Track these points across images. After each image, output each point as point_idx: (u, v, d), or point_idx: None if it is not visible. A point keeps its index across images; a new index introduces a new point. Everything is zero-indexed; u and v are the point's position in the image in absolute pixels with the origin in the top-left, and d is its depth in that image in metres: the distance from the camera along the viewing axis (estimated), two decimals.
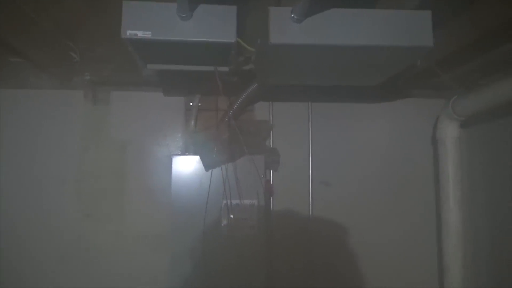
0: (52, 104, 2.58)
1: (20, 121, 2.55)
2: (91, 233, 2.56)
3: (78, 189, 2.58)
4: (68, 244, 2.53)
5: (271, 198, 2.65)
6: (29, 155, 2.55)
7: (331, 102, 2.78)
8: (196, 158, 2.37)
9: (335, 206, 2.71)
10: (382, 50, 1.47)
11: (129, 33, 1.36)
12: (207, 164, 2.33)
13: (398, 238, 2.74)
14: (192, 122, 2.53)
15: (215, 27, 1.42)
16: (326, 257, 2.68)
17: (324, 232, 2.69)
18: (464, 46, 1.88)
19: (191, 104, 2.56)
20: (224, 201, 2.32)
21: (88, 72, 2.37)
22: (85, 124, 2.61)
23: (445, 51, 1.96)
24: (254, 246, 2.36)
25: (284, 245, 2.64)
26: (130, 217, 2.60)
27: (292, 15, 1.37)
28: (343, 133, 2.79)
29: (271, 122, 2.71)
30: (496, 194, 2.53)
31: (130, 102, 2.63)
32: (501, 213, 2.48)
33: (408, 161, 2.80)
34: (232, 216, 2.33)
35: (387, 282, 2.68)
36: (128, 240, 2.57)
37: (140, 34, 1.36)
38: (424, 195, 2.78)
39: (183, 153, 2.55)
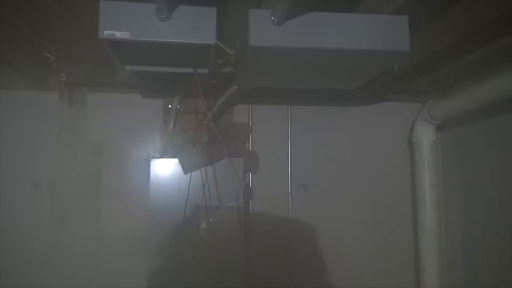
0: (26, 104, 2.51)
1: None
2: (67, 237, 2.49)
3: (53, 192, 2.52)
4: (43, 248, 2.46)
5: (250, 201, 2.64)
6: (2, 156, 2.47)
7: (311, 105, 2.79)
8: (175, 161, 2.35)
9: (313, 209, 2.73)
10: (360, 53, 1.49)
11: (107, 33, 1.33)
12: (186, 167, 2.31)
13: (375, 239, 2.77)
14: (171, 125, 2.50)
15: (195, 28, 1.40)
16: (305, 259, 2.69)
17: (303, 234, 2.70)
18: (439, 51, 1.92)
19: (169, 106, 2.53)
20: (203, 204, 2.30)
21: (64, 73, 2.32)
22: (61, 125, 2.55)
23: (421, 55, 2.00)
24: (233, 249, 2.35)
25: (263, 247, 2.64)
26: (107, 220, 2.55)
27: (272, 17, 1.37)
28: (322, 136, 2.81)
29: (250, 125, 2.71)
30: (470, 196, 2.59)
31: (107, 104, 2.59)
32: (475, 214, 2.53)
33: (385, 164, 2.84)
34: (211, 219, 2.32)
35: (364, 283, 2.70)
36: (105, 244, 2.51)
37: (118, 34, 1.34)
38: (401, 197, 2.82)
39: (162, 156, 2.52)
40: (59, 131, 2.55)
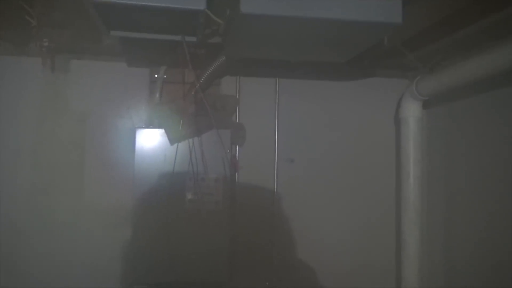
0: (6, 70, 2.42)
1: None
2: (49, 207, 2.45)
3: (34, 162, 2.46)
4: (23, 219, 2.42)
5: (236, 173, 2.64)
6: None
7: (299, 79, 2.77)
8: (161, 131, 2.32)
9: (299, 182, 2.75)
10: (351, 24, 1.48)
11: None
12: (172, 138, 2.29)
13: (359, 213, 2.81)
14: (157, 95, 2.46)
15: None
16: (289, 231, 2.72)
17: (288, 206, 2.72)
18: (430, 26, 1.91)
19: (156, 76, 2.48)
20: (189, 176, 2.29)
21: (46, 38, 2.24)
22: (43, 93, 2.48)
23: (411, 30, 1.99)
24: (219, 220, 2.36)
25: (249, 220, 2.66)
26: (91, 191, 2.52)
27: None
28: (309, 110, 2.80)
29: (238, 97, 2.69)
30: (453, 172, 2.63)
31: (91, 72, 2.52)
32: (457, 190, 2.59)
33: (371, 139, 2.86)
34: (197, 191, 2.31)
35: (347, 255, 2.77)
36: (88, 215, 2.48)
37: None
38: (385, 172, 2.85)
39: (147, 126, 2.48)
40: (41, 99, 2.48)
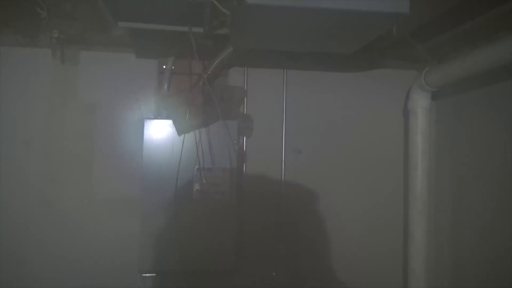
0: (16, 62, 2.45)
1: None
2: (58, 197, 2.49)
3: (43, 152, 2.49)
4: (33, 208, 2.45)
5: (244, 164, 2.66)
6: None
7: (306, 70, 2.77)
8: (169, 122, 2.34)
9: (306, 173, 2.75)
10: (358, 14, 1.47)
11: None
12: (180, 129, 2.31)
13: (366, 204, 2.82)
14: (165, 86, 2.47)
15: None
16: (296, 223, 2.73)
17: (295, 198, 2.73)
18: (438, 16, 1.90)
19: (164, 67, 2.50)
20: (197, 166, 2.32)
21: (57, 30, 2.26)
22: (52, 84, 2.51)
23: (420, 21, 1.97)
24: (226, 210, 2.38)
25: (255, 210, 2.67)
26: (99, 181, 2.55)
27: None
28: (316, 101, 2.80)
29: (245, 88, 2.69)
30: (460, 163, 2.62)
31: (100, 63, 2.53)
32: (464, 181, 2.58)
33: (379, 131, 2.86)
34: (204, 181, 2.33)
35: (353, 246, 2.77)
36: (97, 204, 2.52)
37: None
38: (393, 163, 2.85)
39: (156, 117, 2.51)
40: (50, 90, 2.51)
